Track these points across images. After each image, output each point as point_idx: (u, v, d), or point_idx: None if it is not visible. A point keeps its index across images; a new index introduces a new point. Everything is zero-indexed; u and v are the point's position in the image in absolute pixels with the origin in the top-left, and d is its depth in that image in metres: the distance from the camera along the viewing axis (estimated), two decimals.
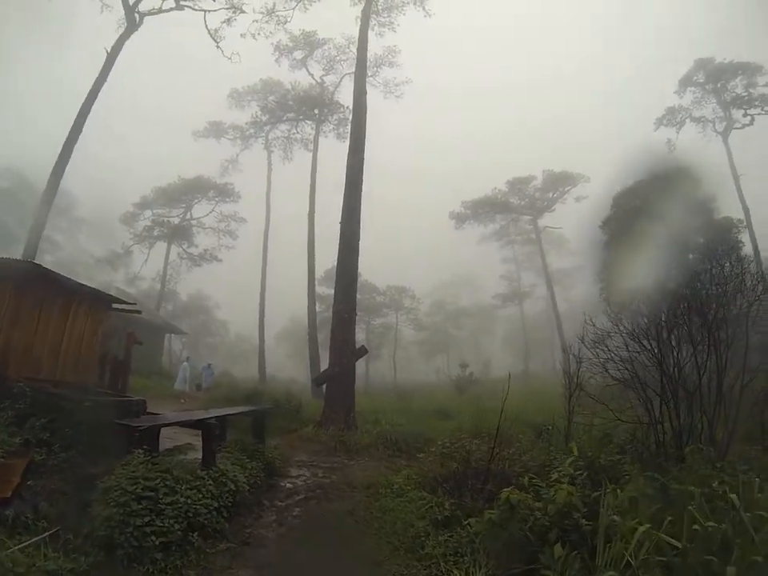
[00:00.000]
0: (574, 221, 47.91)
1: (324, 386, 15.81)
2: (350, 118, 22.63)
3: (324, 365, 18.91)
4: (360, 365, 29.49)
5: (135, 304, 13.89)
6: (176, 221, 43.05)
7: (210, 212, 43.76)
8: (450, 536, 5.38)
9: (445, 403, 18.34)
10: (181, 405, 17.53)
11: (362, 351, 15.94)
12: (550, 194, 48.57)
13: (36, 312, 10.44)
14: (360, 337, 51.28)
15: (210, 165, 42.82)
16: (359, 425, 14.10)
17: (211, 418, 7.85)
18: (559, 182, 47.17)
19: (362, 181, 16.70)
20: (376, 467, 10.01)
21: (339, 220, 16.48)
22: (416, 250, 74.56)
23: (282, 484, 8.49)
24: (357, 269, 15.82)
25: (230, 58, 28.11)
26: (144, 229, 42.14)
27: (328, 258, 36.39)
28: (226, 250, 44.80)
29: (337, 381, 14.75)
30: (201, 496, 5.88)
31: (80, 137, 21.10)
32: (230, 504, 6.30)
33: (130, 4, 22.85)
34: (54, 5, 25.05)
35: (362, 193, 16.75)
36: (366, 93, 19.05)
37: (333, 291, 48.75)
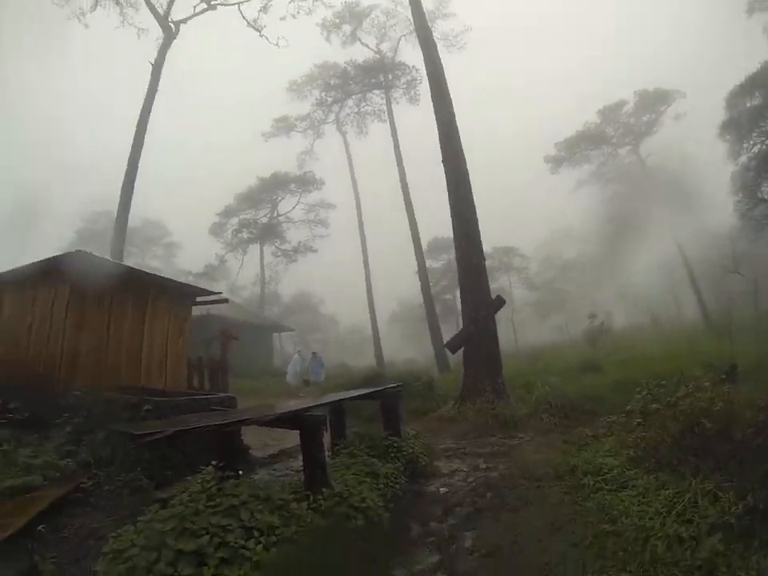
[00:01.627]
0: (677, 143, 42.72)
1: (461, 353, 12.91)
2: (421, 73, 22.45)
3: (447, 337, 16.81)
4: None
5: (221, 293, 12.17)
6: (264, 221, 42.04)
7: (296, 205, 42.29)
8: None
9: (584, 358, 15.50)
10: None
11: (500, 302, 12.95)
12: (646, 117, 42.88)
13: (104, 312, 8.81)
14: None
15: (286, 162, 41.43)
16: (509, 392, 11.54)
17: (312, 407, 5.10)
18: (654, 102, 41.63)
19: (455, 120, 14.05)
20: (550, 443, 7.45)
21: (442, 180, 13.96)
22: (512, 206, 70.55)
23: (433, 489, 5.95)
24: (474, 208, 13.06)
25: (276, 44, 27.17)
26: (232, 234, 41.45)
27: (429, 229, 33.95)
28: (320, 240, 43.15)
29: (476, 341, 11.97)
30: (296, 550, 3.40)
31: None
32: (354, 551, 3.87)
33: (162, 14, 22.49)
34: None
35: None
36: (431, 32, 16.76)
37: (439, 265, 46.97)
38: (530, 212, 68.43)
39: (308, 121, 38.69)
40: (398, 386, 8.01)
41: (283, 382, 21.79)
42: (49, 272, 8.78)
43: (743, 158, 27.25)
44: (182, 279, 40.77)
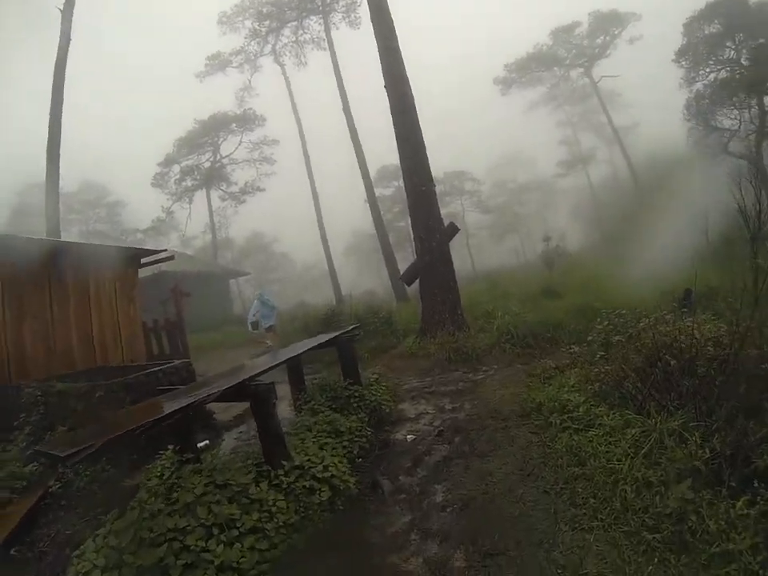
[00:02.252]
0: (630, 68, 42.37)
1: (417, 284, 12.86)
2: None
3: (403, 266, 16.62)
4: None
5: (166, 250, 11.67)
6: (207, 165, 40.66)
7: (239, 145, 41.10)
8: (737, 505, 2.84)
9: (543, 282, 15.63)
10: (267, 347, 15.40)
11: (453, 229, 12.74)
12: (600, 39, 42.90)
13: (43, 295, 8.36)
14: None
15: (225, 102, 40.02)
16: (469, 323, 11.52)
17: (254, 375, 4.45)
18: (608, 24, 41.50)
19: (398, 44, 13.33)
20: (514, 376, 7.46)
21: (385, 110, 13.52)
22: (463, 131, 69.55)
23: (400, 437, 5.82)
24: (420, 132, 12.58)
25: None
26: (176, 183, 40.14)
27: (377, 157, 33.17)
28: (266, 178, 42.40)
29: (431, 271, 11.78)
30: (256, 542, 3.23)
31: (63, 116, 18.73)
32: (324, 529, 3.75)
33: None
34: None
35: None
36: None
37: (389, 192, 46.52)
38: (479, 137, 67.93)
39: (243, 55, 36.99)
40: (352, 328, 7.82)
41: (245, 331, 21.61)
42: None
43: (698, 86, 27.75)
44: (129, 238, 40.48)
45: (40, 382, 6.99)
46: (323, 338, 7.08)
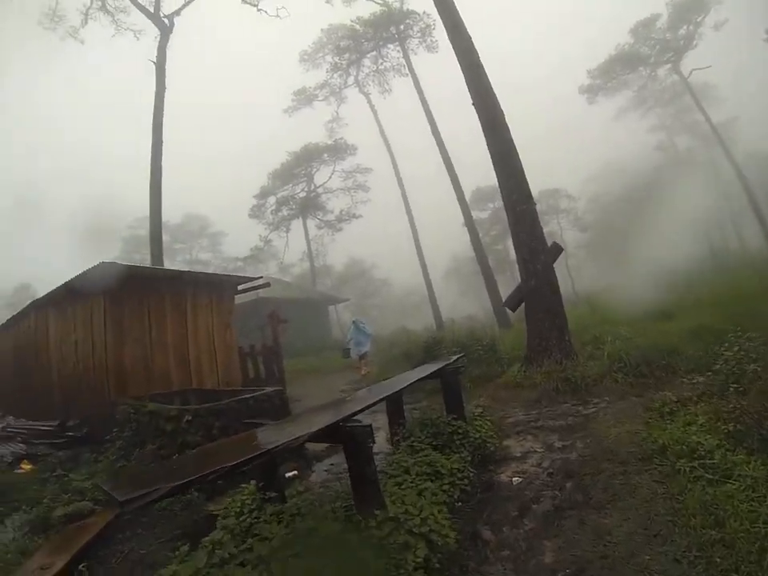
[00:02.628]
0: (720, 56, 39.08)
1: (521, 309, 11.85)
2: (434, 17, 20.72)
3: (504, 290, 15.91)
4: None
5: (261, 278, 11.82)
6: (302, 195, 41.78)
7: (332, 174, 41.73)
8: None
9: (650, 303, 14.35)
10: (362, 376, 15.20)
11: (557, 249, 11.84)
12: (683, 29, 39.12)
13: (143, 318, 8.60)
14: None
15: (315, 134, 41.13)
16: (576, 350, 10.52)
17: (350, 416, 3.90)
18: (689, 12, 37.70)
19: (479, 59, 12.84)
20: (629, 410, 6.65)
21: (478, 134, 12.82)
22: (552, 149, 67.36)
23: (505, 479, 5.20)
24: (515, 148, 11.87)
25: (277, 15, 26.52)
26: (272, 214, 41.31)
27: (470, 177, 32.64)
28: (362, 205, 42.56)
29: (537, 295, 10.87)
30: None
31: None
32: None
33: (152, 12, 22.26)
34: None
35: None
36: None
37: (486, 215, 45.55)
38: (569, 152, 65.51)
39: (327, 88, 37.74)
40: (458, 359, 7.33)
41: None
42: (81, 288, 8.64)
43: None
44: (230, 266, 42.18)
45: (135, 400, 7.14)
46: (427, 368, 6.65)
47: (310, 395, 12.68)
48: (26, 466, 7.60)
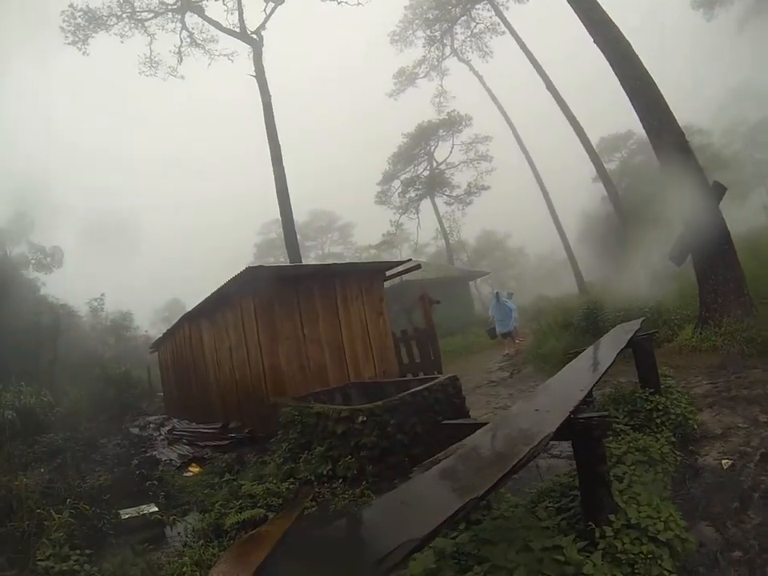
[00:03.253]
0: None
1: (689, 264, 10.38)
2: None
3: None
4: None
5: (411, 260, 11.32)
6: (425, 174, 40.96)
7: (452, 149, 40.44)
8: None
9: None
10: (505, 355, 14.37)
11: (719, 189, 9.98)
12: None
13: (293, 317, 8.41)
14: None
15: (424, 113, 40.03)
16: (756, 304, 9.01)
17: (581, 402, 3.03)
18: None
19: None
20: None
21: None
22: (672, 81, 60.11)
23: (713, 461, 4.29)
24: (651, 77, 10.40)
25: (358, 3, 26.19)
26: (399, 197, 40.98)
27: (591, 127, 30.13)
28: (488, 176, 40.85)
29: (706, 245, 9.39)
30: None
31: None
32: None
33: (239, 32, 23.49)
34: None
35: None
36: None
37: (614, 167, 42.32)
38: (693, 82, 58.17)
39: (426, 64, 36.70)
40: (643, 325, 6.31)
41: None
42: (230, 295, 8.73)
43: None
44: (363, 255, 42.55)
45: (296, 400, 6.87)
46: (617, 338, 5.62)
47: (467, 378, 12.05)
48: (194, 469, 7.71)
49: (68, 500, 5.52)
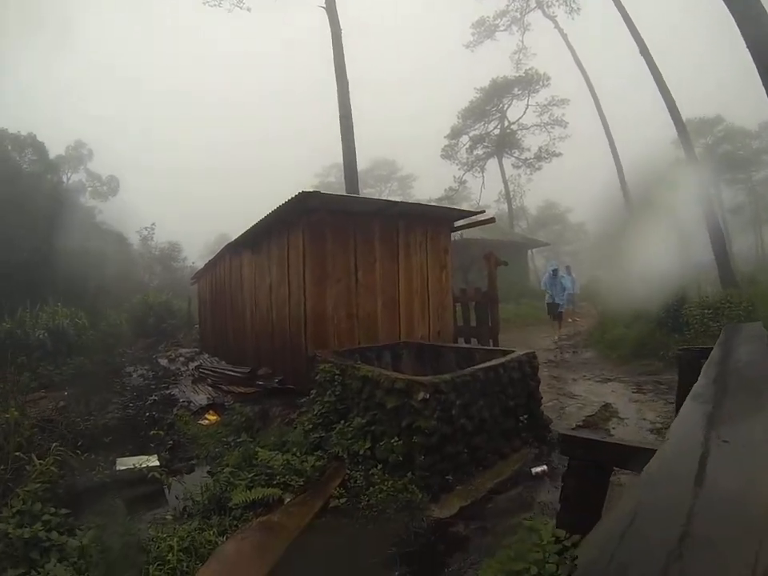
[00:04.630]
0: None
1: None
2: None
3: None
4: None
5: (484, 212, 9.91)
6: (496, 132, 38.47)
7: (527, 108, 37.52)
8: None
9: None
10: (557, 341, 12.80)
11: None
12: None
13: (347, 257, 7.21)
14: (738, 200, 39.84)
15: (502, 68, 37.31)
16: None
17: None
18: None
19: None
20: None
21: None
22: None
23: None
24: None
25: None
26: (467, 152, 38.71)
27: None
28: (561, 142, 37.81)
29: None
30: None
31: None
32: None
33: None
34: None
35: None
36: None
37: (696, 153, 39.29)
38: None
39: (508, 16, 34.03)
40: None
41: (542, 305, 19.57)
42: (278, 224, 7.50)
43: None
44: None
45: (339, 356, 5.73)
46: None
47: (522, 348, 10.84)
48: (212, 417, 6.82)
49: (54, 444, 4.64)
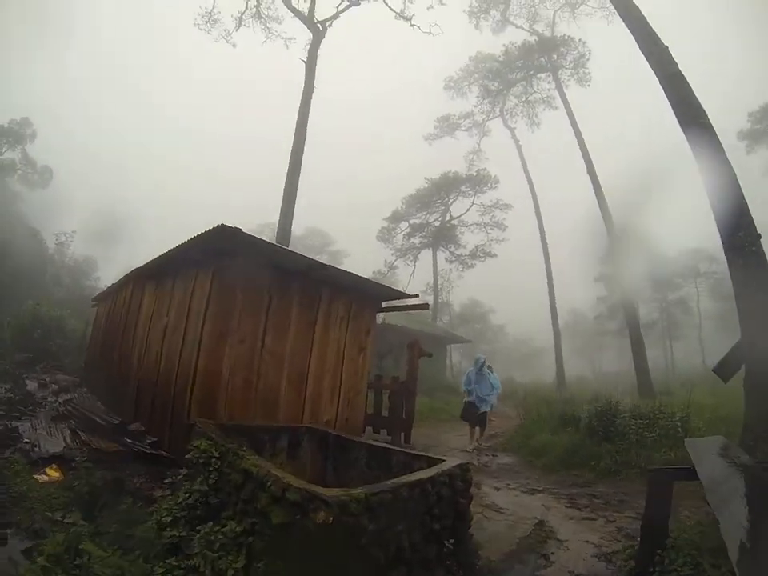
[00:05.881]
0: None
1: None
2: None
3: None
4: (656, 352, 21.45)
5: (417, 296, 9.14)
6: (436, 224, 39.21)
7: (470, 206, 38.68)
8: None
9: None
10: (473, 450, 10.66)
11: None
12: None
13: (257, 314, 6.27)
14: (653, 316, 42.30)
15: (454, 163, 39.11)
16: None
17: None
18: None
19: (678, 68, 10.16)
20: None
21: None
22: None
23: None
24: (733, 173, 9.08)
25: (430, 32, 25.69)
26: (404, 239, 39.29)
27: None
28: (497, 244, 39.11)
29: (761, 357, 7.83)
30: None
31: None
32: None
33: (306, 15, 22.42)
34: None
35: None
36: None
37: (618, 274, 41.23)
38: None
39: (471, 118, 36.72)
40: None
41: (460, 399, 19.07)
42: (188, 260, 6.45)
43: None
44: None
45: (223, 431, 4.66)
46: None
47: (436, 447, 10.06)
48: (53, 473, 5.27)
49: None
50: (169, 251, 6.55)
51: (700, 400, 10.39)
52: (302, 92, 20.25)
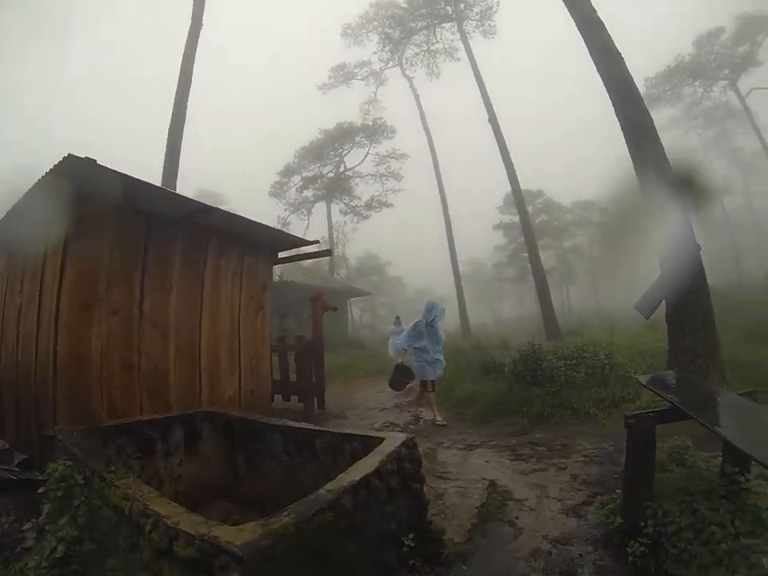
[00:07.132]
0: None
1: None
2: None
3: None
4: (554, 296, 23.22)
5: (318, 242, 8.12)
6: (330, 176, 37.97)
7: (365, 157, 37.73)
8: None
9: None
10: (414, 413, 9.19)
11: (696, 247, 8.24)
12: (743, 47, 35.41)
13: (131, 280, 5.01)
14: (550, 264, 44.47)
15: (349, 115, 38.07)
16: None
17: None
18: (756, 29, 34.12)
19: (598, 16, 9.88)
20: None
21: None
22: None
23: None
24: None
25: None
26: (296, 193, 37.82)
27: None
28: (393, 195, 38.45)
29: (688, 297, 7.93)
30: None
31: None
32: None
33: None
34: None
35: None
36: None
37: (517, 220, 42.78)
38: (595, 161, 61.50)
39: (368, 67, 35.40)
40: None
41: (369, 356, 18.87)
42: (35, 212, 4.84)
43: None
44: None
45: (93, 436, 3.53)
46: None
47: (354, 413, 9.22)
48: None
49: None
50: (12, 207, 5.04)
51: (607, 338, 10.23)
52: (187, 32, 16.40)
